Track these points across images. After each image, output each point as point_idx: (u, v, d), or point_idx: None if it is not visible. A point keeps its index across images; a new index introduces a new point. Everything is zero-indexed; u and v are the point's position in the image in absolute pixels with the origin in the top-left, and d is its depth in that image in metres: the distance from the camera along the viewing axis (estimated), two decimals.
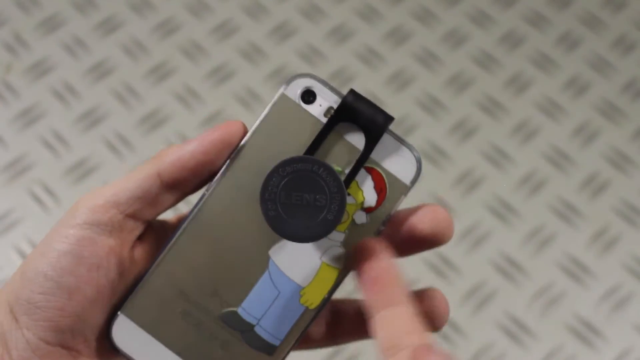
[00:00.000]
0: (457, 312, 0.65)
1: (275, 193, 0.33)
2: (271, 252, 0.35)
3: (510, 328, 0.65)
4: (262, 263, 0.35)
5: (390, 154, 0.35)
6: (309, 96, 0.35)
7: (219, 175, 0.35)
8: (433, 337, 0.31)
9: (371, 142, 0.35)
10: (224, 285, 0.35)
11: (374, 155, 0.35)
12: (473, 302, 0.66)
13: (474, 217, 0.69)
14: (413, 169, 0.35)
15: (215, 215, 0.35)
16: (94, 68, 0.75)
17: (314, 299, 0.35)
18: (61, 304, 0.33)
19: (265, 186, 0.33)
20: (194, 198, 0.36)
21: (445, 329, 0.64)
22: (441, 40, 0.78)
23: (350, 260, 0.34)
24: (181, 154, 0.35)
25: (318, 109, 0.35)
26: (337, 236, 0.35)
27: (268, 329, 0.35)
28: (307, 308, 0.35)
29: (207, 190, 0.35)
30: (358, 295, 0.34)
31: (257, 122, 0.35)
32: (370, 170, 0.35)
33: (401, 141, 0.35)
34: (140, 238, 0.36)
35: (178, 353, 0.35)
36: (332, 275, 0.35)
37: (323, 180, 0.33)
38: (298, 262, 0.35)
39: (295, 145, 0.34)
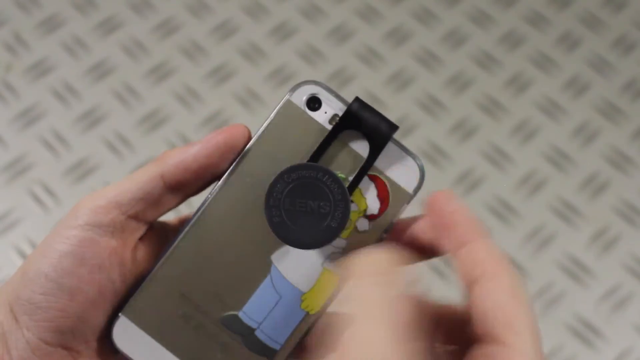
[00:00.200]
0: None
1: (279, 199, 0.33)
2: (273, 258, 0.35)
3: None
4: (264, 268, 0.35)
5: (394, 162, 0.35)
6: (314, 103, 0.34)
7: (222, 179, 0.35)
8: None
9: (375, 151, 0.35)
10: (225, 289, 0.35)
11: (378, 163, 0.35)
12: None
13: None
14: (416, 178, 0.35)
15: (218, 219, 0.35)
16: (94, 68, 0.75)
17: (314, 305, 0.35)
18: (62, 305, 0.33)
19: (269, 192, 0.33)
20: (196, 200, 0.36)
21: None
22: (441, 40, 0.78)
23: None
24: (185, 157, 0.35)
25: (323, 116, 0.35)
26: (339, 243, 0.35)
27: (268, 333, 0.35)
28: (307, 313, 0.35)
29: (210, 193, 0.35)
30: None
31: (262, 128, 0.35)
32: (373, 178, 0.35)
33: (405, 150, 0.35)
34: (141, 239, 0.36)
35: (178, 355, 0.35)
36: (333, 281, 0.35)
37: (327, 187, 0.33)
38: (300, 268, 0.35)
39: (300, 151, 0.34)
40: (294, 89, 0.35)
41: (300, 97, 0.34)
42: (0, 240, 0.67)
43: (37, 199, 0.69)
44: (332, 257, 0.35)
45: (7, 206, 0.68)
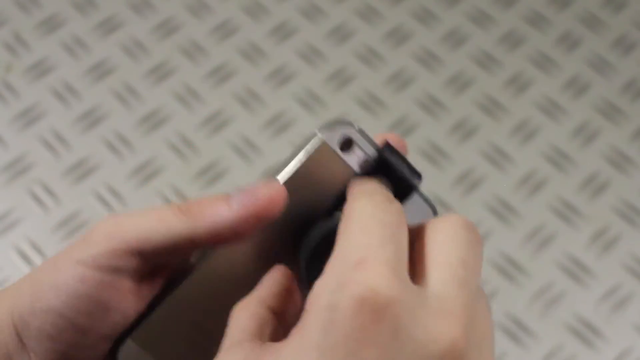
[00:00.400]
0: None
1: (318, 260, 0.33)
2: None
3: (510, 328, 0.65)
4: None
5: (412, 209, 0.35)
6: (348, 146, 0.34)
7: None
8: None
9: (400, 198, 0.34)
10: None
11: None
12: None
13: (474, 217, 0.69)
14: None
15: (236, 251, 0.35)
16: (94, 68, 0.75)
17: None
18: (75, 340, 0.33)
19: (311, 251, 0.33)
20: None
21: None
22: (441, 40, 0.78)
23: None
24: (217, 221, 0.33)
25: (354, 159, 0.34)
26: None
27: None
28: None
29: None
30: None
31: (294, 167, 0.34)
32: None
33: (424, 198, 0.35)
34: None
35: None
36: None
37: None
38: None
39: (329, 195, 0.34)
40: (329, 129, 0.34)
41: (334, 138, 0.34)
42: (0, 240, 0.67)
43: (37, 199, 0.69)
44: None
45: (7, 206, 0.68)
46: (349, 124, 0.34)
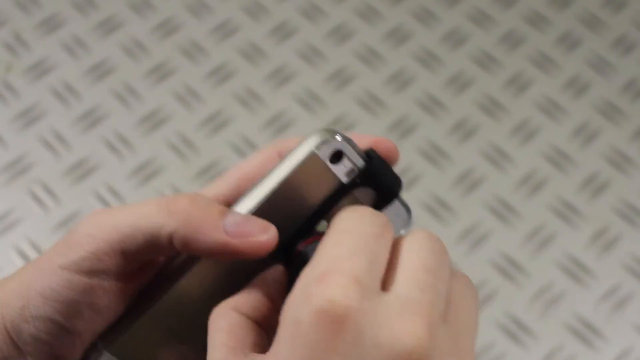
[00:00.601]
0: None
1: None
2: None
3: (510, 328, 0.65)
4: None
5: (391, 212, 0.36)
6: (337, 158, 0.34)
7: None
8: None
9: (382, 204, 0.35)
10: None
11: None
12: None
13: (474, 217, 0.69)
14: (405, 229, 0.36)
15: (219, 263, 0.34)
16: (94, 68, 0.75)
17: None
18: (70, 342, 0.33)
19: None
20: None
21: None
22: (441, 40, 0.78)
23: None
24: (202, 239, 0.32)
25: (342, 170, 0.34)
26: None
27: None
28: None
29: None
30: None
31: (283, 175, 0.34)
32: None
33: (402, 203, 0.36)
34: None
35: None
36: None
37: None
38: None
39: (314, 203, 0.34)
40: (320, 142, 0.34)
41: (325, 152, 0.34)
42: (0, 240, 0.67)
43: (37, 199, 0.69)
44: None
45: (7, 206, 0.68)
46: (340, 135, 0.34)
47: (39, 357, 0.33)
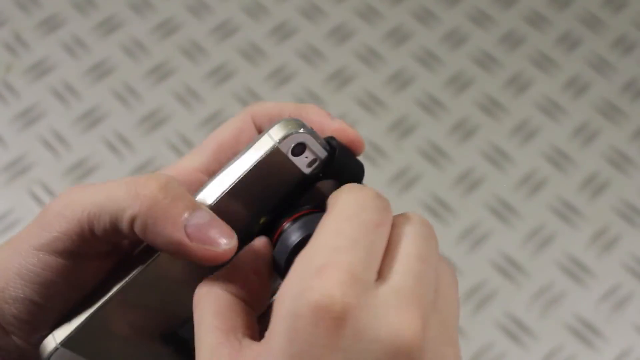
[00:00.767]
0: None
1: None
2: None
3: (510, 328, 0.65)
4: None
5: None
6: (299, 150, 0.34)
7: None
8: None
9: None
10: (171, 314, 0.35)
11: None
12: (473, 302, 0.66)
13: (474, 217, 0.69)
14: None
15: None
16: (94, 68, 0.75)
17: None
18: (53, 318, 0.33)
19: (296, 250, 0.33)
20: None
21: None
22: (441, 40, 0.78)
23: None
24: (163, 233, 0.31)
25: (304, 161, 0.34)
26: None
27: None
28: None
29: None
30: None
31: (244, 169, 0.33)
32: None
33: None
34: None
35: None
36: None
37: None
38: None
39: (276, 196, 0.34)
40: (282, 135, 0.33)
41: (288, 145, 0.33)
42: (0, 241, 0.67)
43: (37, 199, 0.69)
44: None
45: (7, 206, 0.68)
46: (302, 127, 0.33)
47: (23, 336, 0.33)
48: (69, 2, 0.79)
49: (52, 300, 0.32)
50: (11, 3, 0.78)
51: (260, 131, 0.36)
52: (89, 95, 0.74)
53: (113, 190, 0.32)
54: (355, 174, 0.35)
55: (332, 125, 0.35)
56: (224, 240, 0.31)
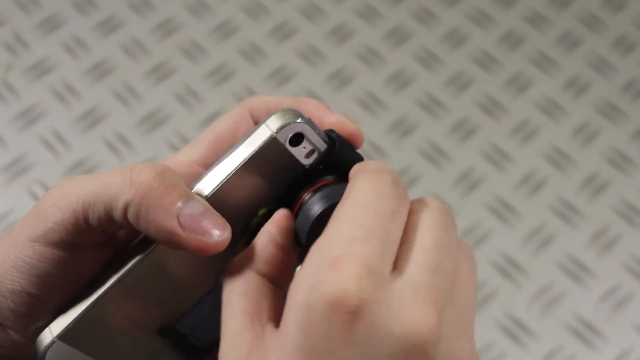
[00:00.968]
0: None
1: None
2: (221, 277, 0.34)
3: (510, 328, 0.65)
4: (210, 287, 0.35)
5: None
6: (297, 140, 0.33)
7: None
8: None
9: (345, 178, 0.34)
10: (169, 307, 0.35)
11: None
12: None
13: (474, 217, 0.69)
14: None
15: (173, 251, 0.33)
16: (94, 68, 0.75)
17: None
18: (49, 311, 0.33)
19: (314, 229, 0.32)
20: None
21: None
22: (441, 40, 0.78)
23: None
24: (157, 223, 0.31)
25: (302, 151, 0.34)
26: None
27: (201, 337, 0.36)
28: None
29: None
30: None
31: (241, 159, 0.33)
32: None
33: None
34: None
35: None
36: None
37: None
38: None
39: (274, 186, 0.34)
40: (279, 125, 0.33)
41: (285, 135, 0.33)
42: None
43: (37, 199, 0.69)
44: None
45: (7, 206, 0.68)
46: (300, 117, 0.33)
47: (19, 330, 0.33)
48: (69, 2, 0.79)
49: (49, 292, 0.32)
50: (11, 3, 0.78)
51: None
52: (89, 95, 0.74)
53: (108, 179, 0.31)
54: (355, 164, 0.34)
55: (331, 119, 0.35)
56: (216, 232, 0.31)
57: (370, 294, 0.27)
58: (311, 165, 0.34)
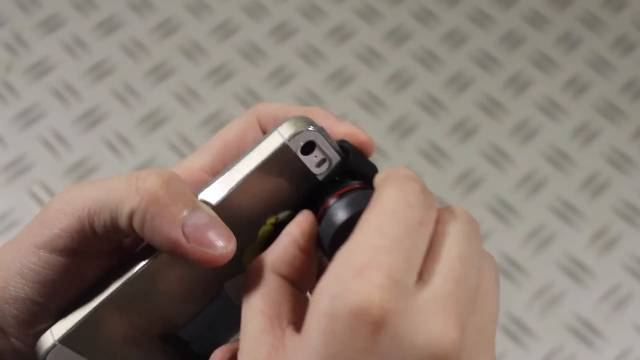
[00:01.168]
0: None
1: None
2: (226, 285, 0.34)
3: (510, 328, 0.65)
4: (214, 295, 0.35)
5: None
6: (309, 148, 0.33)
7: None
8: None
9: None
10: (172, 314, 0.34)
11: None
12: None
13: (474, 217, 0.69)
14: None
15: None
16: (94, 68, 0.75)
17: None
18: (52, 320, 0.33)
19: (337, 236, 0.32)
20: None
21: None
22: (441, 40, 0.78)
23: None
24: (162, 233, 0.30)
25: (313, 160, 0.33)
26: None
27: (204, 345, 0.36)
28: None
29: None
30: None
31: (253, 166, 0.32)
32: None
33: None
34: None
35: None
36: None
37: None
38: None
39: (285, 194, 0.33)
40: (291, 133, 0.32)
41: (296, 142, 0.32)
42: (0, 241, 0.67)
43: (37, 199, 0.69)
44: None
45: (7, 206, 0.68)
46: (312, 125, 0.33)
47: (21, 337, 0.33)
48: (69, 2, 0.79)
49: (53, 299, 0.32)
50: (11, 3, 0.78)
51: (266, 132, 0.35)
52: (89, 95, 0.74)
53: (113, 185, 0.31)
54: (369, 176, 0.34)
55: (342, 128, 0.34)
56: (221, 243, 0.31)
57: (394, 304, 0.26)
58: (325, 176, 0.33)
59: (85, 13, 0.78)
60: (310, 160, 0.33)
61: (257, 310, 0.30)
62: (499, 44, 0.78)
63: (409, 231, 0.28)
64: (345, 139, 0.34)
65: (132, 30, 0.78)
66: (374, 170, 0.34)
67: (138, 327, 0.34)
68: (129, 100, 0.74)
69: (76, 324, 0.32)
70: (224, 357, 0.33)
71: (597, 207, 0.70)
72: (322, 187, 0.34)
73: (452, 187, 0.70)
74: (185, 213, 0.30)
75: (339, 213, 0.32)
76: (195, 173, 0.35)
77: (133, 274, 0.32)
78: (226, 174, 0.33)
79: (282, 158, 0.33)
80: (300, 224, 0.33)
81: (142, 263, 0.32)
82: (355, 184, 0.33)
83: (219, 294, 0.35)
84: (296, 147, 0.33)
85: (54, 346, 0.32)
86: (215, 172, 0.35)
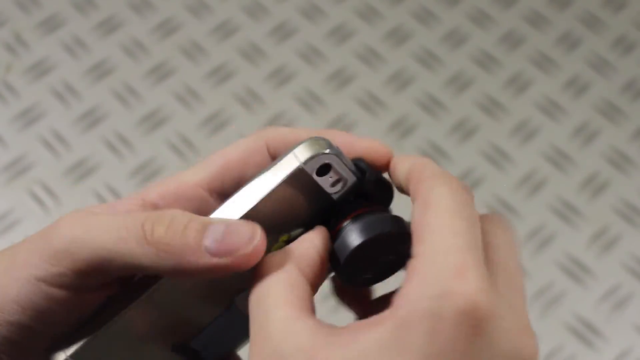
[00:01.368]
0: None
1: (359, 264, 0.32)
2: (237, 299, 0.34)
3: None
4: (225, 307, 0.35)
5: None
6: (325, 170, 0.33)
7: None
8: None
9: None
10: (183, 326, 0.34)
11: None
12: None
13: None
14: None
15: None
16: (94, 68, 0.75)
17: None
18: (47, 344, 0.32)
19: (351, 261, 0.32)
20: None
21: None
22: (441, 40, 0.78)
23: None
24: (184, 263, 0.30)
25: (328, 181, 0.33)
26: None
27: (214, 352, 0.36)
28: None
29: None
30: None
31: (268, 188, 0.32)
32: None
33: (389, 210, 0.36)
34: None
35: None
36: None
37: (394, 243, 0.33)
38: None
39: (300, 215, 0.33)
40: (308, 155, 0.32)
41: (313, 165, 0.32)
42: (0, 241, 0.67)
43: (37, 199, 0.69)
44: None
45: (7, 206, 0.68)
46: (329, 147, 0.33)
47: (13, 357, 0.32)
48: (69, 2, 0.79)
49: (49, 327, 0.32)
50: (11, 3, 0.78)
51: (274, 158, 0.35)
52: (89, 95, 0.74)
53: (124, 234, 0.31)
54: (384, 194, 0.34)
55: (362, 144, 0.34)
56: (248, 242, 0.30)
57: (495, 308, 0.27)
58: (339, 195, 0.34)
59: (85, 13, 0.78)
60: (325, 181, 0.33)
61: (281, 299, 0.29)
62: (499, 44, 0.78)
63: (474, 229, 0.29)
64: (366, 153, 0.34)
65: (132, 30, 0.78)
66: (389, 189, 0.35)
67: (151, 339, 0.34)
68: (129, 100, 0.74)
69: (89, 339, 0.32)
70: None
71: (597, 207, 0.70)
72: (336, 205, 0.34)
73: None
74: (202, 240, 0.30)
75: (355, 234, 0.32)
76: (192, 188, 0.35)
77: (149, 292, 0.32)
78: (240, 195, 0.33)
79: (297, 180, 0.33)
80: (319, 233, 0.33)
81: (156, 280, 0.32)
82: (368, 205, 0.34)
83: (230, 306, 0.35)
84: (312, 170, 0.33)
85: None
86: (212, 190, 0.34)
